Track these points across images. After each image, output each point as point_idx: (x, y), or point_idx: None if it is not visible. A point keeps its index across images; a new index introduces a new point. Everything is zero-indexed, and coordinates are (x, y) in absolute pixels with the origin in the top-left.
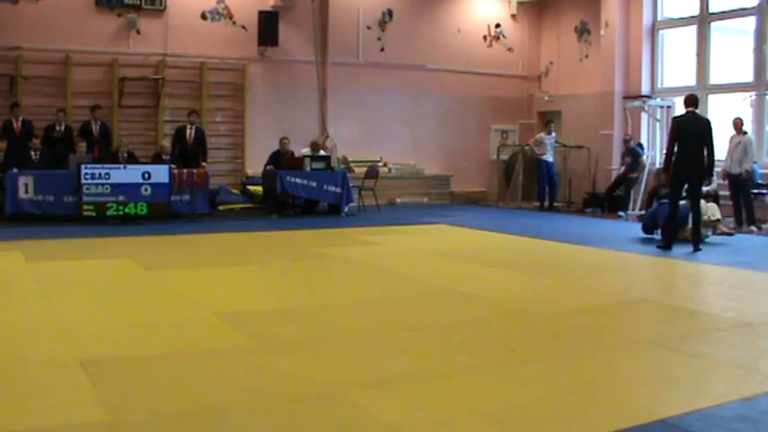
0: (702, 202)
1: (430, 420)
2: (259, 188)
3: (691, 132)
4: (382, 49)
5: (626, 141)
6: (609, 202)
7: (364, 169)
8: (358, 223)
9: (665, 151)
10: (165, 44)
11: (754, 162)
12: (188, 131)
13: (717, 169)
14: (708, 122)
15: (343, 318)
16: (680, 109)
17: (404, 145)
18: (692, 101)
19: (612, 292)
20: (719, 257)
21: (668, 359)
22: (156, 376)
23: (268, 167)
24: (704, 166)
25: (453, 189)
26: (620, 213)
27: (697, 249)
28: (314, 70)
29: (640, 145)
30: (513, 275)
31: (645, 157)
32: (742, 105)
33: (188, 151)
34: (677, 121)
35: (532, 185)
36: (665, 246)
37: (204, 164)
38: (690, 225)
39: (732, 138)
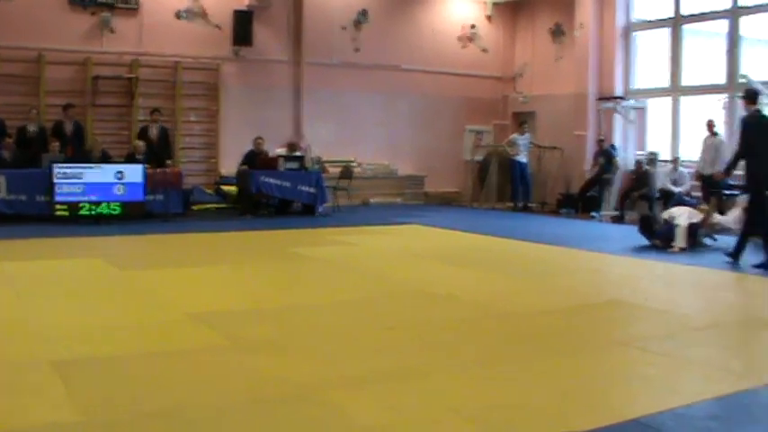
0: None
1: (406, 420)
2: (233, 188)
3: (759, 133)
4: (357, 50)
5: (599, 142)
6: (582, 202)
7: (338, 169)
8: (332, 223)
9: (735, 153)
10: (138, 43)
11: None
12: (151, 130)
13: (690, 170)
14: None
15: (317, 317)
16: (653, 111)
17: (378, 145)
18: (753, 97)
19: (586, 293)
20: (691, 258)
21: (641, 359)
22: (129, 376)
23: (242, 167)
24: None
25: (427, 189)
26: (594, 214)
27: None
28: (288, 70)
29: (613, 146)
30: (488, 276)
31: (618, 158)
32: (715, 107)
33: (153, 150)
34: (745, 122)
35: (506, 186)
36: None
37: (169, 162)
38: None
39: (705, 139)
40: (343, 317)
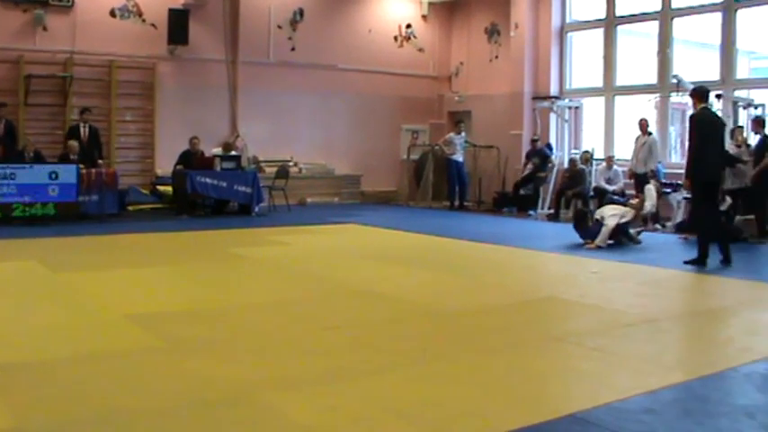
0: (611, 207)
1: (344, 420)
2: (169, 188)
3: (711, 131)
4: (293, 49)
5: (533, 141)
6: (517, 201)
7: (275, 169)
8: (268, 223)
9: (688, 154)
10: (72, 41)
11: (659, 162)
12: (82, 130)
13: (624, 169)
14: (722, 121)
15: (254, 318)
16: (588, 110)
17: (314, 145)
18: (703, 95)
19: (521, 290)
20: (626, 255)
21: (576, 355)
22: (64, 381)
23: (178, 167)
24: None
25: (364, 189)
26: (530, 212)
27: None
28: (224, 69)
29: (549, 145)
30: (424, 274)
31: (554, 156)
32: (647, 107)
33: (84, 150)
34: (697, 119)
35: (443, 185)
36: (702, 261)
37: (101, 162)
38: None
39: (638, 138)
40: (281, 317)
